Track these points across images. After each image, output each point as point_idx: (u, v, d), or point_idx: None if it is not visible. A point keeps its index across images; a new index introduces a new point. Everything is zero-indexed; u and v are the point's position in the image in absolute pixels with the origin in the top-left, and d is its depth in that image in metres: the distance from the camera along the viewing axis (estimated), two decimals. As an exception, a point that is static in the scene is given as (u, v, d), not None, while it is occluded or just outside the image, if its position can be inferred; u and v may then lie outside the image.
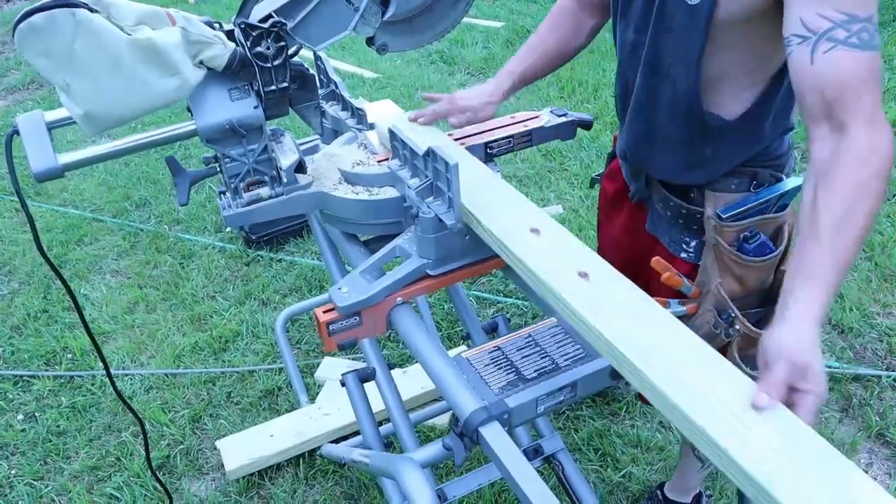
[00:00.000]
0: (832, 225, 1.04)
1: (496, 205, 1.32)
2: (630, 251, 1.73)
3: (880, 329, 2.74)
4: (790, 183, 1.46)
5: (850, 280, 2.97)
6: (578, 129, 1.83)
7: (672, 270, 1.50)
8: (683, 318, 1.52)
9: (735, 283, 1.46)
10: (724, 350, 1.49)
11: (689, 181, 1.50)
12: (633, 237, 1.72)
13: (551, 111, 1.81)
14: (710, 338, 1.46)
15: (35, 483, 2.40)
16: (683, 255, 1.57)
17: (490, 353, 1.29)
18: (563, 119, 1.78)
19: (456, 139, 1.65)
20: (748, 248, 1.43)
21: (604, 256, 1.76)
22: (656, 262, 1.49)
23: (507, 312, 3.00)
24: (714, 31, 1.25)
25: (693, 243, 1.55)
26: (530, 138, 1.75)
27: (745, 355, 1.51)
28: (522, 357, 1.26)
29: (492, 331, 1.88)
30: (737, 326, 1.46)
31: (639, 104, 1.47)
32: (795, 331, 1.02)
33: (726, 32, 1.25)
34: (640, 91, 1.45)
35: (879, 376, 2.53)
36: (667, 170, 1.52)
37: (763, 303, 1.53)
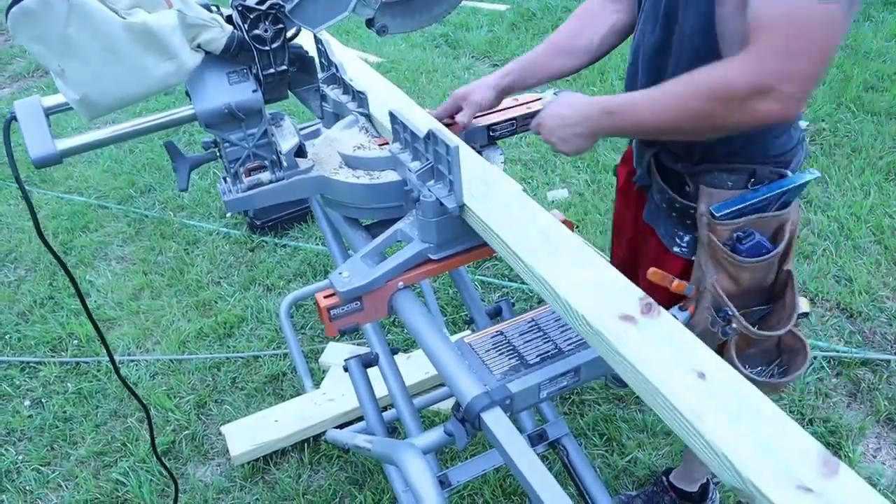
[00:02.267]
0: (657, 93, 1.25)
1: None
2: (632, 238, 1.72)
3: (890, 313, 2.72)
4: (794, 180, 1.39)
5: (859, 263, 2.95)
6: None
7: (669, 277, 1.44)
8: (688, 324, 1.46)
9: (730, 281, 1.41)
10: (721, 350, 1.45)
11: (687, 152, 1.43)
12: (635, 223, 1.68)
13: (555, 93, 1.78)
14: (706, 336, 1.42)
15: (42, 468, 2.41)
16: (676, 248, 1.52)
17: (492, 337, 1.28)
18: (567, 101, 1.75)
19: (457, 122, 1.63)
20: (741, 249, 1.38)
21: (616, 241, 1.75)
22: (652, 273, 1.43)
23: (512, 297, 3.00)
24: None
25: (686, 238, 1.50)
26: (533, 121, 1.73)
27: (743, 355, 1.46)
28: (525, 342, 1.25)
29: (495, 315, 1.86)
30: (734, 325, 1.41)
31: (648, 55, 1.41)
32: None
33: None
34: (652, 41, 1.38)
35: (888, 360, 2.51)
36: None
37: (766, 300, 1.48)
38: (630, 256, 1.75)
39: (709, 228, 1.39)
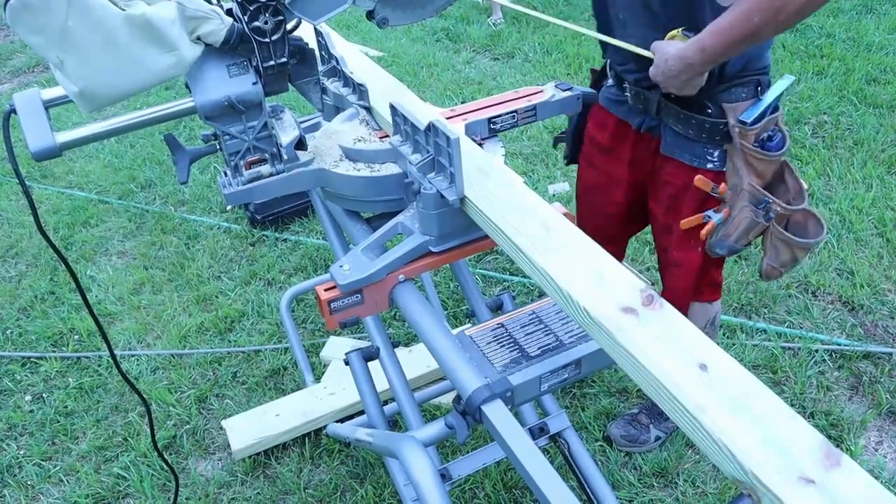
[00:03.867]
0: (730, 13, 1.41)
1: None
2: (636, 182, 1.92)
3: (891, 306, 2.71)
4: (781, 85, 1.66)
5: (861, 256, 2.94)
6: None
7: (712, 184, 1.70)
8: (721, 224, 1.73)
9: (757, 178, 1.67)
10: (764, 233, 1.74)
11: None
12: (639, 166, 1.88)
13: (556, 86, 1.78)
14: (751, 228, 1.70)
15: (43, 463, 2.41)
16: (710, 165, 1.72)
17: (493, 330, 1.27)
18: (569, 93, 1.75)
19: (458, 114, 1.63)
20: (772, 146, 1.64)
21: (590, 199, 2.02)
22: (699, 180, 1.70)
23: (514, 291, 2.99)
24: None
25: (716, 153, 1.70)
26: (535, 113, 1.72)
27: (787, 228, 1.75)
28: (526, 334, 1.25)
29: (497, 309, 1.86)
30: (776, 208, 1.68)
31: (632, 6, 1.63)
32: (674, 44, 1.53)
33: None
34: None
35: (890, 353, 2.51)
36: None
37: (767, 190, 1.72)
38: (629, 197, 1.97)
39: (740, 136, 1.63)
